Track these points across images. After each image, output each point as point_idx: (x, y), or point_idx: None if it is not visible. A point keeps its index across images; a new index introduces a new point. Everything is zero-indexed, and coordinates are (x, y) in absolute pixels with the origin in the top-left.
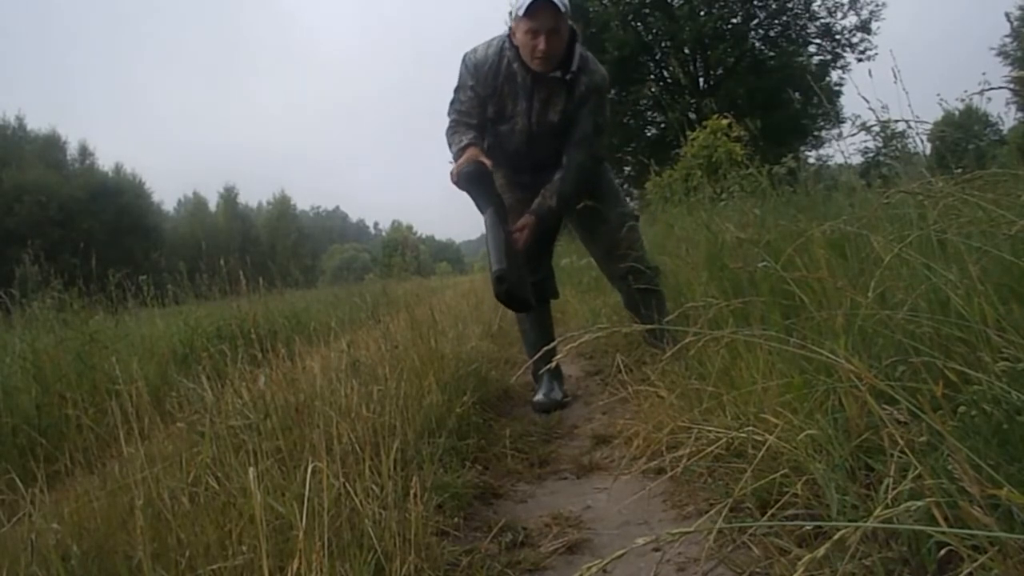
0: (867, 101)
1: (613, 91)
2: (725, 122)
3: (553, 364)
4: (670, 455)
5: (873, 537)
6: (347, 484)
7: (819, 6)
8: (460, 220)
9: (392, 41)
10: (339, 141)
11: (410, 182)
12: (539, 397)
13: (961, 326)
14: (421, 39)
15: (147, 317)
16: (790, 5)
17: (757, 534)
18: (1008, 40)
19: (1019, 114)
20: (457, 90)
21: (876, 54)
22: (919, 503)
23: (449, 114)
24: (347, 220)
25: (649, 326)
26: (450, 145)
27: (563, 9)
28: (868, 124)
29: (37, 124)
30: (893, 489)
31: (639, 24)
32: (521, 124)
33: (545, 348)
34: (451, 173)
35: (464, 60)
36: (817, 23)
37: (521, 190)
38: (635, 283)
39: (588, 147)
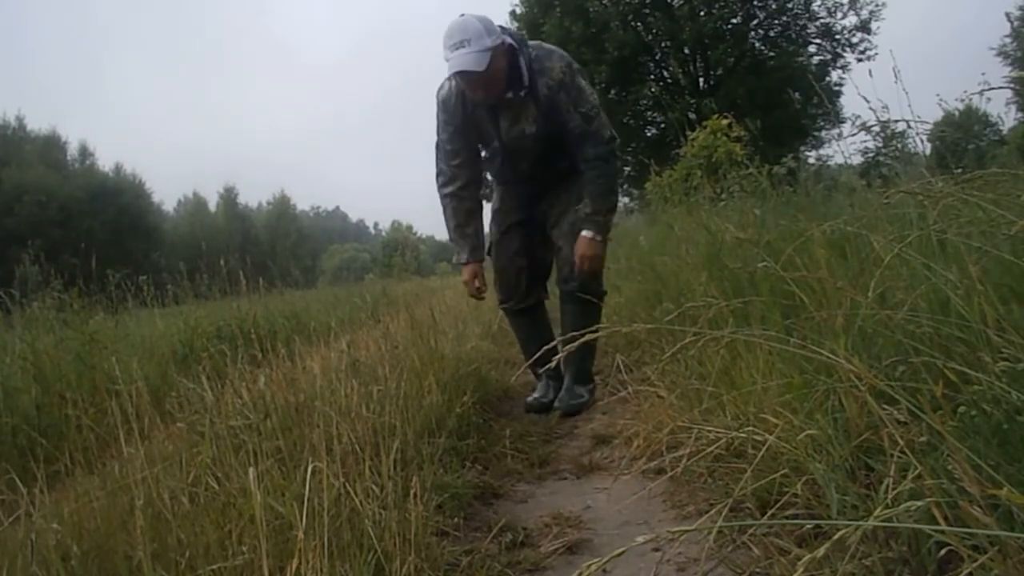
0: (867, 101)
1: (613, 91)
2: (725, 122)
3: (552, 364)
4: (670, 455)
5: (873, 537)
6: (347, 484)
7: (819, 6)
8: None
9: (394, 40)
10: (340, 140)
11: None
12: (531, 398)
13: (961, 326)
14: (423, 38)
15: (147, 317)
16: (790, 5)
17: (757, 534)
18: (1008, 40)
19: (1019, 114)
20: (438, 130)
21: (876, 54)
22: (919, 503)
23: (436, 162)
24: (347, 220)
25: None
26: (447, 228)
27: (483, 61)
28: (868, 124)
29: (37, 124)
30: (893, 489)
31: (639, 24)
32: (497, 144)
33: (546, 348)
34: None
35: (436, 97)
36: (817, 23)
37: (518, 198)
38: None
39: (591, 139)
